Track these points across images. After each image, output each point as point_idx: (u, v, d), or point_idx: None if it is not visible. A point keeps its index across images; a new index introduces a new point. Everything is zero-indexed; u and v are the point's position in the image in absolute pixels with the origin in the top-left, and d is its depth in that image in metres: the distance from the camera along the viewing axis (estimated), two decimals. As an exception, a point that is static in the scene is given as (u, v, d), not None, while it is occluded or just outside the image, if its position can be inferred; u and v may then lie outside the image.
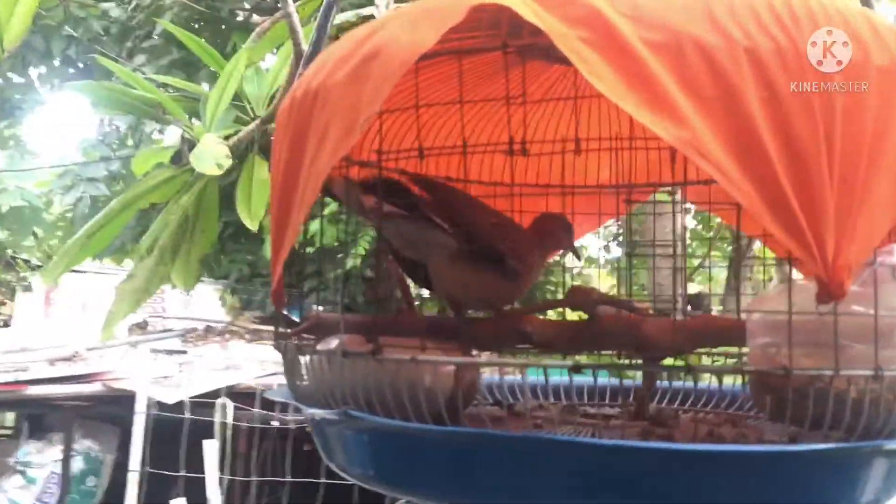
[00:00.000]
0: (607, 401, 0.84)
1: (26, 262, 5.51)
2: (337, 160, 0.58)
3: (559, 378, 0.89)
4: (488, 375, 0.90)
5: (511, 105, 0.69)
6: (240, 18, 4.69)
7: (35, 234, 5.97)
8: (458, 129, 0.74)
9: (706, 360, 0.96)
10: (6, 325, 4.86)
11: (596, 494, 0.54)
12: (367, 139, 0.73)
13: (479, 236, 0.71)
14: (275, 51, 1.61)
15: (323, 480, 3.08)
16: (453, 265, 0.73)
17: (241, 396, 3.29)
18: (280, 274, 0.65)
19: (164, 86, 1.74)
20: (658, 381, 0.80)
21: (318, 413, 0.62)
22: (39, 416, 3.72)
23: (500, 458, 0.55)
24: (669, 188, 0.99)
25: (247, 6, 4.79)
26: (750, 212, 0.49)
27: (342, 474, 0.67)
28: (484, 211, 0.76)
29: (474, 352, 0.72)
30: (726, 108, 0.49)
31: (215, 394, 3.27)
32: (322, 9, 0.77)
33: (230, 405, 3.24)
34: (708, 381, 0.82)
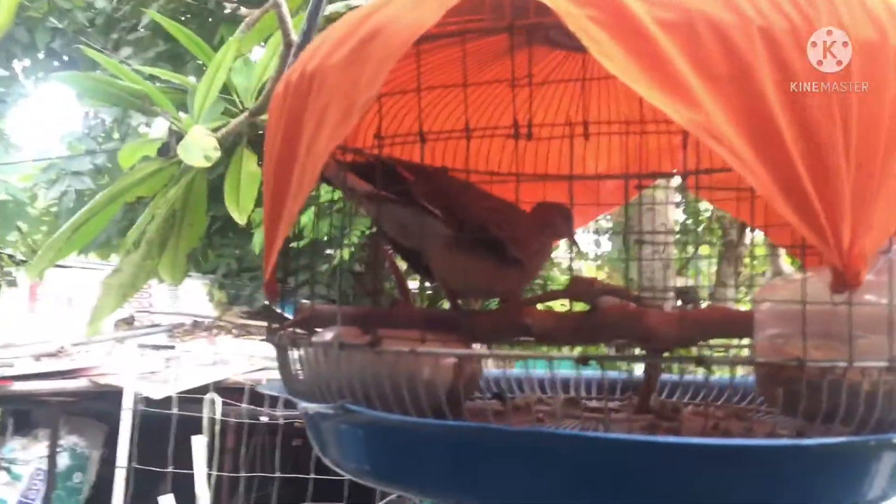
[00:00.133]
0: (609, 394, 0.83)
1: (10, 257, 5.45)
2: (335, 145, 0.56)
3: (559, 371, 0.88)
4: (488, 369, 0.88)
5: (516, 87, 0.67)
6: (227, 11, 4.65)
7: (19, 229, 5.90)
8: (460, 114, 0.72)
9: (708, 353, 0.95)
10: (-10, 320, 4.80)
11: (600, 490, 0.53)
12: (366, 124, 0.71)
13: (474, 223, 0.69)
14: (263, 43, 1.59)
15: (312, 476, 3.06)
16: (450, 253, 0.71)
17: (230, 392, 3.27)
18: (274, 265, 0.63)
19: (152, 78, 1.71)
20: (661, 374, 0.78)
21: (314, 407, 0.60)
22: (25, 413, 3.69)
23: (502, 453, 0.54)
24: (665, 179, 0.98)
25: (234, -2, 4.74)
26: (763, 197, 0.47)
27: (335, 469, 0.65)
28: (482, 197, 0.74)
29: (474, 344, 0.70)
30: (740, 90, 0.47)
31: (203, 389, 3.25)
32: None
33: (218, 400, 3.21)
34: (711, 373, 0.81)
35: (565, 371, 0.88)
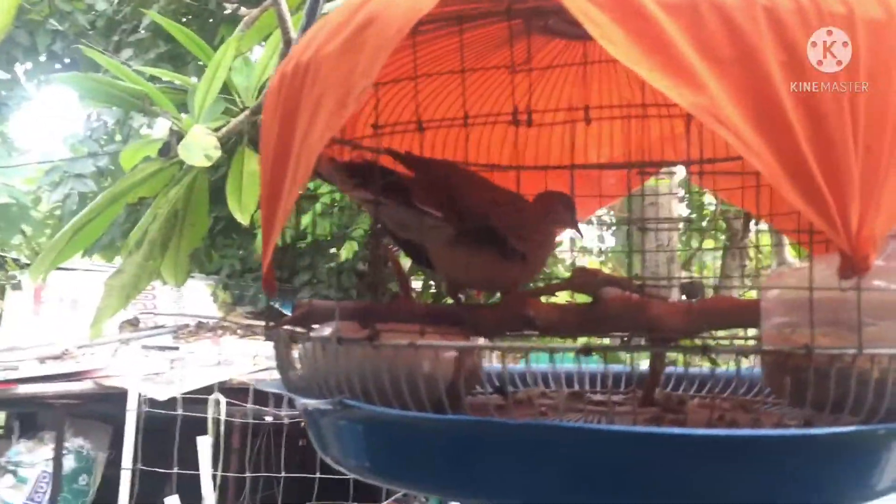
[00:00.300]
0: (613, 387, 0.82)
1: (15, 260, 5.46)
2: (330, 136, 0.55)
3: (563, 365, 0.87)
4: (494, 363, 0.87)
5: (515, 74, 0.66)
6: (228, 11, 4.64)
7: (23, 232, 5.91)
8: (459, 103, 0.71)
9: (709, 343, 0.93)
10: (-5, 323, 4.81)
11: (603, 483, 0.51)
12: (363, 114, 0.70)
13: (475, 216, 0.68)
14: (263, 42, 1.58)
15: (318, 475, 3.05)
16: (452, 248, 0.70)
17: (234, 392, 3.27)
18: (270, 259, 0.62)
19: (153, 79, 1.71)
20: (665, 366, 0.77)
21: (312, 403, 0.59)
22: (30, 415, 3.69)
23: (505, 448, 0.52)
24: (669, 169, 0.97)
25: (234, -2, 4.74)
26: (770, 182, 0.46)
27: (337, 467, 0.64)
28: (484, 188, 0.72)
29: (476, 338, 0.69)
30: (745, 72, 0.46)
31: (208, 390, 3.24)
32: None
33: (223, 401, 3.21)
34: (717, 365, 0.80)
35: (569, 365, 0.87)
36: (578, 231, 0.78)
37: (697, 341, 0.66)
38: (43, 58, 5.01)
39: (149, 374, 3.38)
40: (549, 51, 0.77)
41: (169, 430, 3.11)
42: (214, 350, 3.73)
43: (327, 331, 0.63)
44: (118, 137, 4.91)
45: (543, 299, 0.70)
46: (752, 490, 0.51)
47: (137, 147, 1.52)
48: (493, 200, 0.71)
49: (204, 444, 3.13)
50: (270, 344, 0.68)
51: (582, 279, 0.67)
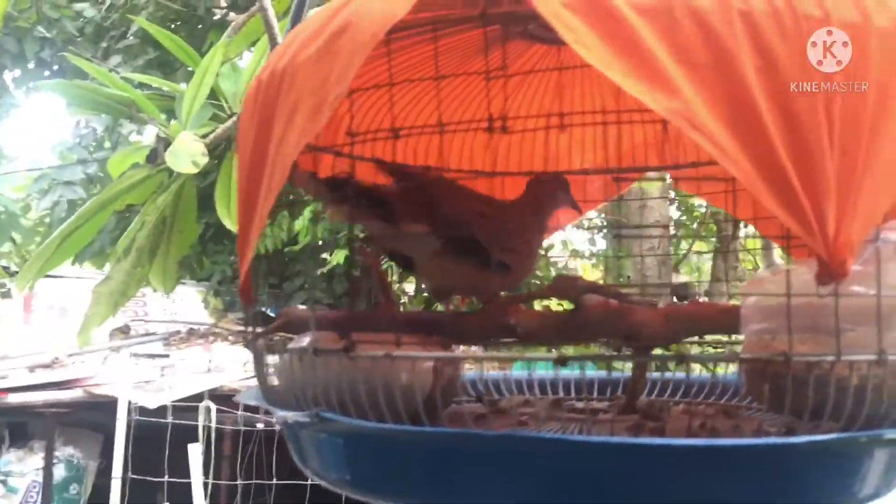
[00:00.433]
0: (595, 394, 0.81)
1: (5, 268, 5.43)
2: (305, 142, 0.55)
3: (548, 372, 0.86)
4: (474, 371, 0.86)
5: (491, 80, 0.65)
6: (216, 17, 4.63)
7: (13, 240, 5.88)
8: (435, 110, 0.71)
9: (696, 350, 0.93)
10: (-16, 332, 4.77)
11: (582, 495, 0.51)
12: (343, 122, 0.69)
13: (459, 227, 0.67)
14: (251, 48, 1.58)
15: (309, 482, 3.04)
16: (436, 259, 0.69)
17: (225, 399, 3.25)
18: (248, 268, 0.61)
19: (142, 85, 1.70)
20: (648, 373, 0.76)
21: (289, 416, 0.58)
22: (20, 425, 3.66)
23: (482, 459, 0.52)
24: (658, 175, 0.96)
25: (223, 4, 4.73)
26: (746, 187, 0.46)
27: (317, 480, 0.63)
28: (468, 198, 0.72)
29: (457, 347, 0.68)
30: (720, 76, 0.45)
31: (198, 397, 3.22)
32: (296, 1, 0.74)
33: (213, 408, 3.19)
34: (699, 371, 0.79)
35: (551, 372, 0.86)
36: (578, 209, 0.76)
37: (679, 348, 0.65)
38: (31, 65, 4.98)
39: (139, 382, 3.36)
40: (530, 56, 0.76)
41: (159, 438, 3.09)
42: (205, 357, 3.71)
43: (305, 341, 0.63)
44: (107, 144, 4.89)
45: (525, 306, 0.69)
46: (732, 499, 0.50)
47: (125, 154, 1.51)
48: (478, 211, 0.70)
49: (195, 452, 3.11)
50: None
51: (563, 286, 0.67)
